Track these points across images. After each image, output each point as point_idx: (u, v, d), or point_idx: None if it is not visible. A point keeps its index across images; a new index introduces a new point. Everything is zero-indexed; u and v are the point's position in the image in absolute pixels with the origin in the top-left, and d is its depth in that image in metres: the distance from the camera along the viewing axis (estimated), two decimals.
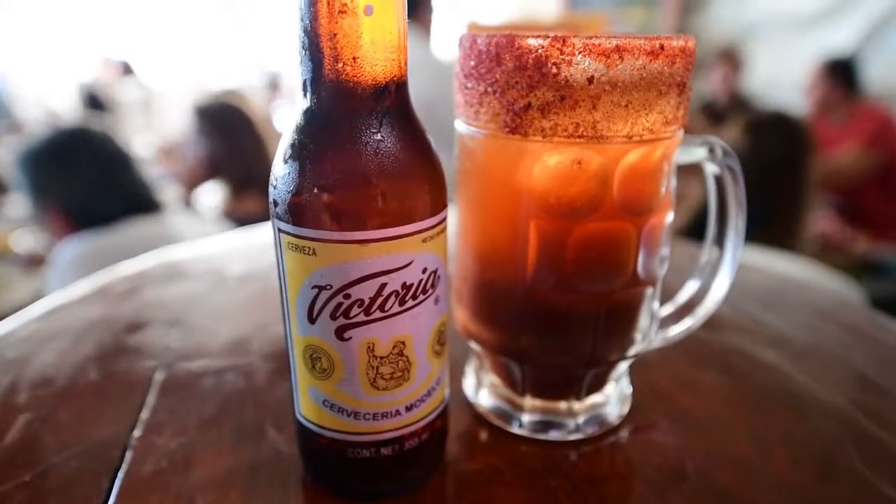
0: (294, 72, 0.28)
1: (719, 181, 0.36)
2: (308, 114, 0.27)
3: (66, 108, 3.34)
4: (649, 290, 0.35)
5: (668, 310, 0.39)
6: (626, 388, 0.41)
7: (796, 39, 3.10)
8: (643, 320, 0.36)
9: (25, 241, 1.66)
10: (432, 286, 0.29)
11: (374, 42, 0.26)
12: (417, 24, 1.61)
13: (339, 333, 0.28)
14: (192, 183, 1.69)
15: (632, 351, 0.36)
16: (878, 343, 0.50)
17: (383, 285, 0.28)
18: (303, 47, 0.26)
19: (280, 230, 0.28)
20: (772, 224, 1.31)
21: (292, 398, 0.32)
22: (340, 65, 0.26)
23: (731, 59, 2.74)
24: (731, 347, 0.49)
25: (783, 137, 1.33)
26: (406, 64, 0.28)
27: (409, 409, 0.31)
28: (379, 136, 0.27)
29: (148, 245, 1.10)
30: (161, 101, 3.75)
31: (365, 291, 0.27)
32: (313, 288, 0.28)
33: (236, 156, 1.53)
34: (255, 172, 1.54)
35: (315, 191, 0.27)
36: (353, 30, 0.25)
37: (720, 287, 0.38)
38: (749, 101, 2.73)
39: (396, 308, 0.28)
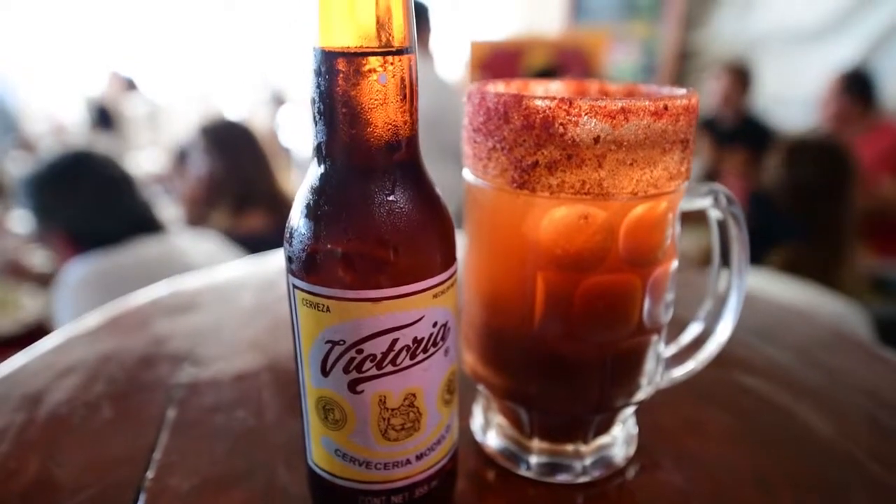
0: (309, 135, 0.29)
1: (723, 226, 0.37)
2: (322, 174, 0.28)
3: (73, 122, 3.37)
4: (654, 338, 0.36)
5: (672, 350, 0.40)
6: (633, 428, 0.41)
7: (801, 54, 3.09)
8: (649, 365, 0.37)
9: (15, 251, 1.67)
10: (442, 339, 0.30)
11: (388, 107, 0.27)
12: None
13: (352, 387, 0.29)
14: (193, 201, 1.71)
15: (638, 396, 0.37)
16: (882, 379, 0.50)
17: (395, 340, 0.28)
18: (318, 112, 0.27)
19: (295, 286, 0.29)
20: (814, 247, 1.29)
21: (304, 445, 0.33)
22: (354, 129, 0.27)
23: (736, 73, 2.56)
24: (736, 384, 0.49)
25: (820, 162, 1.30)
26: (417, 122, 0.29)
27: (419, 457, 0.31)
28: (392, 197, 0.28)
29: (153, 265, 1.11)
30: (167, 115, 3.79)
31: (377, 347, 0.28)
32: (327, 343, 0.28)
33: (239, 174, 1.54)
34: (258, 190, 1.55)
35: (329, 250, 0.27)
36: (367, 96, 0.26)
37: (724, 330, 0.39)
38: (756, 118, 2.59)
39: (408, 362, 0.29)
